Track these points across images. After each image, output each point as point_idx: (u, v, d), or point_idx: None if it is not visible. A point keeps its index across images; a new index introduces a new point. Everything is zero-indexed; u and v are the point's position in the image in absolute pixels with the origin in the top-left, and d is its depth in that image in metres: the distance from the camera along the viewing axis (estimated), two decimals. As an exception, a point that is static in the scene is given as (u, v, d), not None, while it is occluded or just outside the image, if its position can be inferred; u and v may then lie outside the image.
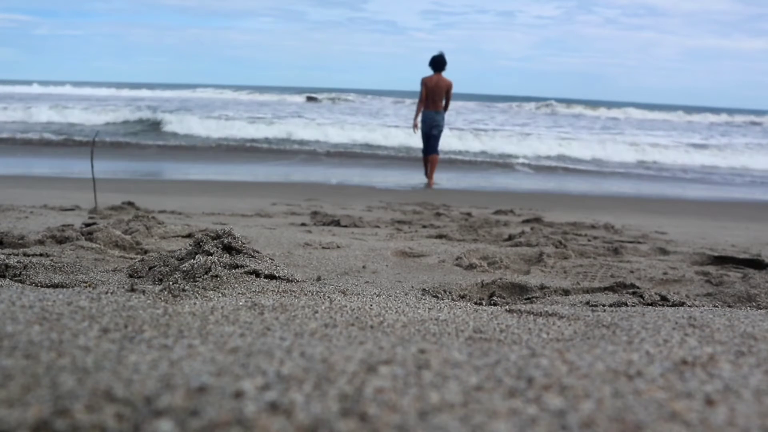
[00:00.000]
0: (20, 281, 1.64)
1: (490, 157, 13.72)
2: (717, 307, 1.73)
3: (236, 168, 10.11)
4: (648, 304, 1.72)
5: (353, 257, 2.46)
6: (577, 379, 0.84)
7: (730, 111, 44.03)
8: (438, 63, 8.68)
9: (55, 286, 1.61)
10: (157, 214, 3.65)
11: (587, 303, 1.76)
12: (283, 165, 11.13)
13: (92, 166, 4.02)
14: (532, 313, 1.40)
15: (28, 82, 53.25)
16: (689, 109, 44.55)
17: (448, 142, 13.52)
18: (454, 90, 8.76)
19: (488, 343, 1.09)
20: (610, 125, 25.72)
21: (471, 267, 2.39)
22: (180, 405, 0.68)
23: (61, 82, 57.95)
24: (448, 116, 9.08)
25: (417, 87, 8.84)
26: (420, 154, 9.38)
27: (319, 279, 1.93)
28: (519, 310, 1.44)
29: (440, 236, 3.33)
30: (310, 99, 37.61)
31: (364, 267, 2.27)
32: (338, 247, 2.67)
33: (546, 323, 1.28)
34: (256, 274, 1.69)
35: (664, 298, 1.77)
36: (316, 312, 1.27)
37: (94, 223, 2.66)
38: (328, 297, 1.50)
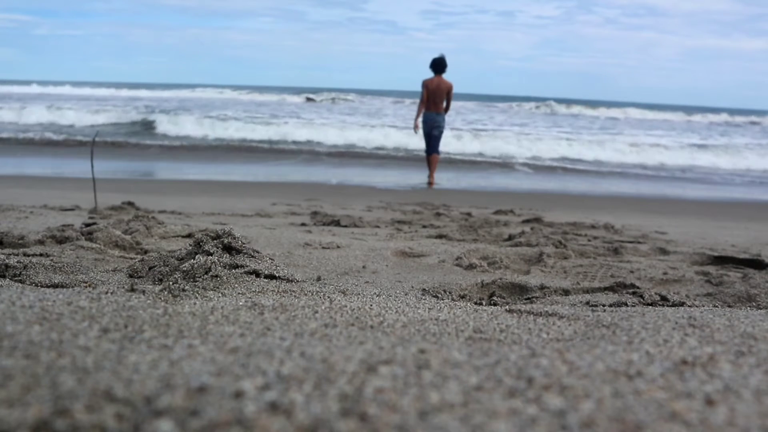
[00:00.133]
0: (20, 281, 1.64)
1: (489, 157, 13.72)
2: (717, 307, 1.73)
3: (236, 168, 10.11)
4: (648, 304, 1.72)
5: (353, 257, 2.46)
6: (577, 379, 0.84)
7: (730, 111, 43.97)
8: (439, 65, 8.71)
9: (55, 286, 1.61)
10: (157, 214, 3.65)
11: (587, 303, 1.76)
12: (283, 165, 11.13)
13: (92, 166, 4.01)
14: (532, 313, 1.40)
15: (28, 82, 53.18)
16: (689, 109, 44.51)
17: (447, 142, 13.51)
18: (454, 90, 8.80)
19: (488, 343, 1.09)
20: (609, 125, 25.68)
21: (471, 267, 2.39)
22: (180, 405, 0.68)
23: (61, 82, 57.88)
24: (448, 116, 9.14)
25: (417, 87, 8.87)
26: (423, 154, 9.61)
27: (319, 279, 1.93)
28: (519, 310, 1.44)
29: (440, 236, 3.33)
30: (308, 100, 37.63)
31: (364, 267, 2.27)
32: (338, 247, 2.67)
33: (546, 323, 1.28)
34: (256, 274, 1.69)
35: (664, 298, 1.77)
36: (316, 312, 1.27)
37: (94, 223, 2.66)
38: (328, 297, 1.50)
